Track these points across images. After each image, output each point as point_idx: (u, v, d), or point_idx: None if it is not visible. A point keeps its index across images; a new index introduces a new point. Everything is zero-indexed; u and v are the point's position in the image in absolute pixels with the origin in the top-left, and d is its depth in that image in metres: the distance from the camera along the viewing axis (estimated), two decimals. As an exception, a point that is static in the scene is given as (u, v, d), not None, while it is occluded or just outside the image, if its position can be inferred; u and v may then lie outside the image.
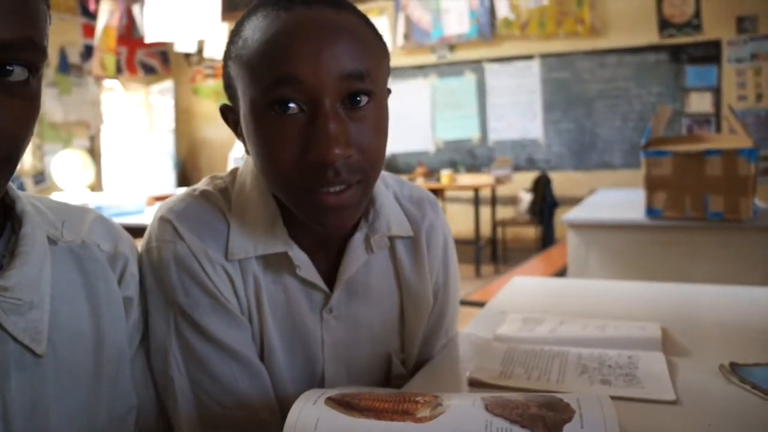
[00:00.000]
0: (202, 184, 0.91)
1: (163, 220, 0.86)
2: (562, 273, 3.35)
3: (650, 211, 2.48)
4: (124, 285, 0.82)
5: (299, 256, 0.87)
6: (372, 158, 0.79)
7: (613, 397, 0.80)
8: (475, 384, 0.89)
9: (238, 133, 0.86)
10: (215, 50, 6.10)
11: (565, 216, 2.73)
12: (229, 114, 0.87)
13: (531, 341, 1.01)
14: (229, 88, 0.84)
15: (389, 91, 0.86)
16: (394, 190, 0.98)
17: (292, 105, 0.75)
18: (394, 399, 0.70)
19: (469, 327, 1.14)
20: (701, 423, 0.76)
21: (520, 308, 1.24)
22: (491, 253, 6.52)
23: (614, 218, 2.66)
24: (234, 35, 0.82)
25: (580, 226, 2.66)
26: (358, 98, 0.77)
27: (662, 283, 1.43)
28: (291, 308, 0.88)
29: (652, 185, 2.46)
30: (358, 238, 0.90)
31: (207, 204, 0.87)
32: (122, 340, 0.80)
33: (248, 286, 0.86)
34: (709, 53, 6.88)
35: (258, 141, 0.78)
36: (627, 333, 1.00)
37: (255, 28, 0.77)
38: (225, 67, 0.84)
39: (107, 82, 7.73)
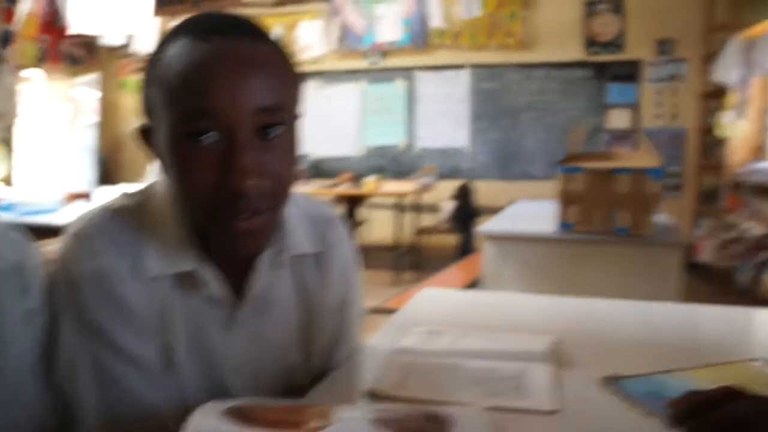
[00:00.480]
0: (117, 201, 0.92)
1: (77, 236, 0.86)
2: (478, 282, 3.43)
3: (563, 224, 2.58)
4: (28, 296, 0.82)
5: (208, 274, 0.88)
6: (284, 185, 0.84)
7: (499, 408, 0.85)
8: (373, 396, 0.92)
9: (156, 154, 0.87)
10: (145, 44, 5.97)
11: (481, 227, 2.81)
12: (145, 134, 0.88)
13: (430, 354, 1.05)
14: (148, 110, 0.85)
15: (297, 116, 0.88)
16: (304, 209, 1.01)
17: (209, 134, 0.77)
18: (287, 410, 0.72)
19: (374, 338, 1.17)
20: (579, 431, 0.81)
21: (426, 320, 1.28)
22: (412, 261, 6.59)
23: (528, 231, 2.75)
24: (154, 59, 0.83)
25: (495, 238, 2.74)
26: (272, 129, 0.80)
27: (561, 297, 1.49)
28: (199, 323, 0.90)
29: (565, 199, 2.57)
30: (266, 256, 0.92)
31: (122, 221, 0.88)
32: (24, 350, 0.80)
33: (159, 302, 0.87)
34: (630, 72, 7.17)
35: (175, 167, 0.81)
36: (520, 346, 1.06)
37: (174, 56, 0.79)
38: (145, 88, 0.85)
39: (27, 72, 7.46)
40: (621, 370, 0.98)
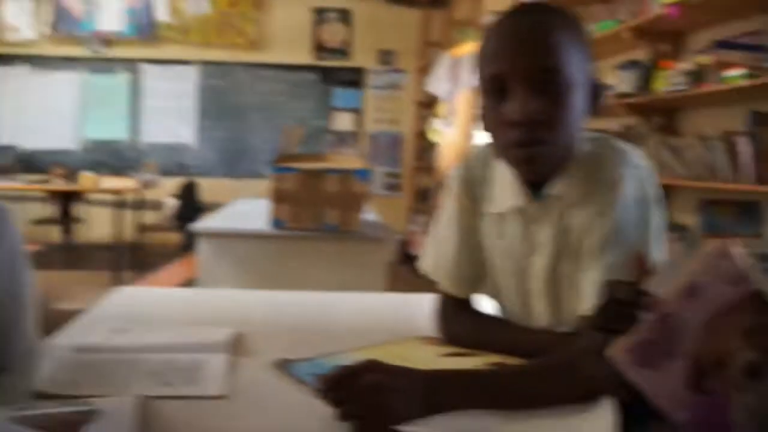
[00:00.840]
0: None
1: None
2: (195, 280, 3.39)
3: (275, 222, 2.67)
4: None
5: None
6: None
7: (171, 397, 0.87)
8: (42, 396, 0.89)
9: None
10: None
11: (196, 225, 2.79)
12: None
13: (110, 350, 1.04)
14: None
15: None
16: None
17: None
18: None
19: (56, 338, 1.13)
20: (248, 413, 0.86)
21: (116, 318, 1.26)
22: (133, 260, 6.28)
23: (241, 228, 2.79)
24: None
25: (210, 235, 2.74)
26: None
27: (250, 290, 1.57)
28: None
29: (278, 198, 2.65)
30: None
31: None
32: None
33: None
34: (355, 78, 7.58)
35: None
36: (200, 338, 1.09)
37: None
38: None
39: None
40: (299, 355, 1.05)
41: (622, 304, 0.73)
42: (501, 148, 0.99)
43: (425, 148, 7.35)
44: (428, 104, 7.19)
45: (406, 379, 0.83)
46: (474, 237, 1.13)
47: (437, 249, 1.17)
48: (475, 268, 1.13)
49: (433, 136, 6.73)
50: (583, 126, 1.00)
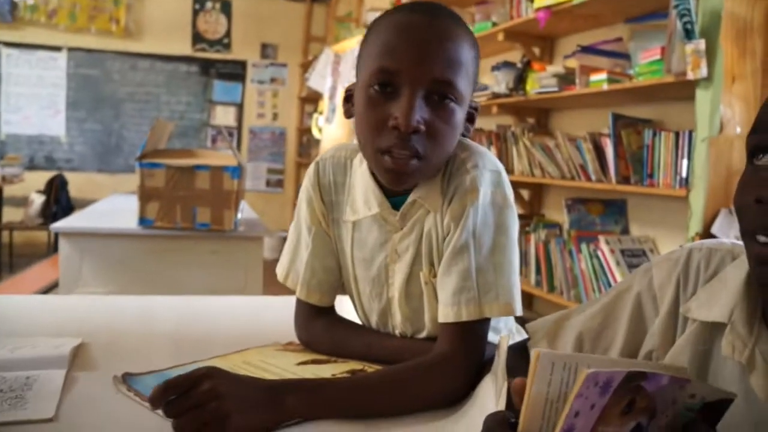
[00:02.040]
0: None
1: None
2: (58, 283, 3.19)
3: (143, 220, 2.54)
4: None
5: None
6: None
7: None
8: None
9: None
10: None
11: (57, 224, 2.62)
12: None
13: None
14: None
15: None
16: None
17: None
18: None
19: None
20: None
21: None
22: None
23: (107, 227, 2.64)
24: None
25: (71, 234, 2.57)
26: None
27: (105, 296, 1.47)
28: None
29: (145, 195, 2.52)
30: None
31: None
32: None
33: None
34: (236, 72, 7.40)
35: None
36: (38, 353, 0.99)
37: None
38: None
39: None
40: (149, 366, 0.98)
41: None
42: (372, 149, 0.92)
43: (309, 143, 7.30)
44: (311, 99, 7.14)
45: (246, 388, 0.80)
46: (328, 244, 1.09)
47: (291, 255, 1.12)
48: (329, 276, 1.10)
49: (316, 132, 6.69)
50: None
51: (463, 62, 0.90)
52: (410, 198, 0.98)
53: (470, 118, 0.99)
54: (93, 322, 1.28)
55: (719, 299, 0.75)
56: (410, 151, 0.89)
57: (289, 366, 1.00)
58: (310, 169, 1.09)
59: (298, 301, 1.11)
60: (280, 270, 1.14)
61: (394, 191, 0.98)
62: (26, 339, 1.07)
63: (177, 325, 1.32)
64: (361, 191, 1.03)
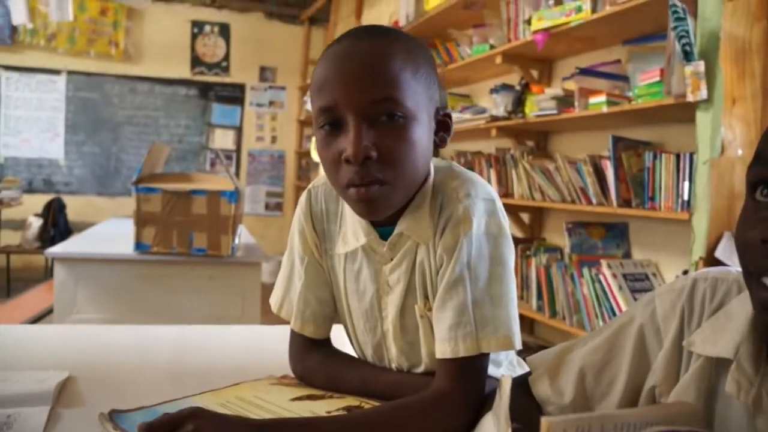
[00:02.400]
0: None
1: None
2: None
3: (139, 245, 2.51)
4: None
5: None
6: None
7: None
8: None
9: None
10: None
11: (52, 249, 2.58)
12: None
13: None
14: None
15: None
16: None
17: None
18: None
19: None
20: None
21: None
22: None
23: (102, 252, 2.61)
24: None
25: (67, 259, 2.54)
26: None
27: (98, 326, 1.43)
28: None
29: (141, 220, 2.50)
30: None
31: None
32: None
33: None
34: (235, 95, 7.41)
35: None
36: (20, 388, 0.96)
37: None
38: None
39: None
40: (138, 402, 0.95)
41: None
42: (338, 187, 0.90)
43: (308, 167, 7.29)
44: (310, 123, 7.13)
45: (232, 428, 0.77)
46: (321, 275, 1.06)
47: (285, 285, 1.09)
48: (323, 307, 1.06)
49: (315, 155, 6.67)
50: (429, 160, 0.94)
51: (398, 74, 0.85)
52: (396, 230, 0.95)
53: (444, 127, 0.96)
54: (82, 354, 1.25)
55: (725, 334, 0.72)
56: (370, 178, 0.85)
57: (283, 402, 0.97)
58: (302, 198, 1.06)
59: (293, 333, 1.08)
60: (273, 301, 1.10)
61: (382, 221, 0.95)
62: (10, 373, 1.03)
63: (170, 357, 1.28)
64: (351, 221, 1.00)
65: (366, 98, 0.84)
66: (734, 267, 0.79)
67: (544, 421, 0.52)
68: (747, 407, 0.68)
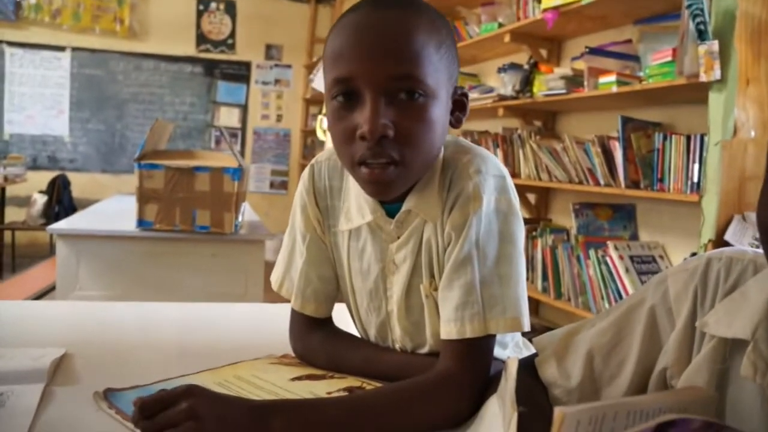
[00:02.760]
0: None
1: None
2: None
3: (141, 222, 2.49)
4: None
5: None
6: None
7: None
8: None
9: None
10: None
11: (54, 225, 2.57)
12: None
13: None
14: None
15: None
16: None
17: None
18: None
19: None
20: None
21: None
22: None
23: (104, 228, 2.58)
24: None
25: (68, 236, 2.52)
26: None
27: (101, 303, 1.41)
28: None
29: (144, 197, 2.47)
30: None
31: None
32: None
33: None
34: (240, 72, 7.35)
35: None
36: (14, 365, 0.94)
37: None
38: None
39: None
40: (136, 380, 0.93)
41: None
42: (348, 163, 0.86)
43: (313, 145, 7.25)
44: (316, 101, 7.08)
45: (227, 408, 0.74)
46: (324, 252, 1.03)
47: (286, 263, 1.07)
48: (325, 285, 1.03)
49: (320, 134, 6.63)
50: (444, 140, 0.91)
51: (422, 50, 0.81)
52: (404, 207, 0.92)
53: (460, 107, 0.92)
54: (81, 331, 1.23)
55: (741, 314, 0.68)
56: (385, 158, 0.82)
57: (283, 382, 0.95)
58: (305, 173, 1.03)
59: (293, 312, 1.05)
60: (274, 278, 1.08)
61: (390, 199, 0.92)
62: (5, 350, 1.01)
63: (170, 335, 1.26)
64: (355, 197, 0.96)
65: (386, 73, 0.80)
66: (750, 249, 0.76)
67: (557, 411, 0.50)
68: (762, 390, 0.65)
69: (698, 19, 2.16)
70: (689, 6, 2.19)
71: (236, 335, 1.28)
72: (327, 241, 1.03)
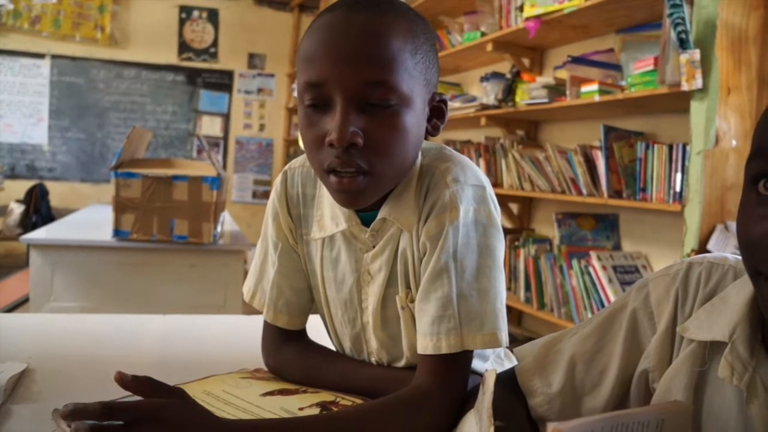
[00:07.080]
0: None
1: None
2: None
3: (118, 232, 2.44)
4: None
5: None
6: None
7: None
8: None
9: None
10: None
11: (27, 235, 2.51)
12: None
13: None
14: None
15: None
16: None
17: None
18: None
19: None
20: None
21: None
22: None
23: (79, 238, 2.53)
24: None
25: (43, 246, 2.47)
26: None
27: (64, 315, 1.36)
28: None
29: (120, 206, 2.43)
30: None
31: None
32: None
33: None
34: (223, 81, 7.30)
35: None
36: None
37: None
38: None
39: None
40: (101, 395, 0.88)
41: None
42: (318, 170, 0.83)
43: (296, 155, 7.21)
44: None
45: (194, 428, 0.70)
46: (296, 262, 1.00)
47: (258, 273, 1.03)
48: (298, 297, 1.00)
49: (302, 144, 6.60)
50: (419, 149, 0.87)
51: (396, 56, 0.78)
52: (379, 215, 0.88)
53: (438, 114, 0.88)
54: (46, 344, 1.18)
55: (720, 318, 0.68)
56: (353, 167, 0.78)
57: (253, 397, 0.91)
58: (278, 180, 1.00)
59: (265, 324, 1.01)
60: (246, 289, 1.04)
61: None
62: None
63: (142, 348, 1.22)
64: (330, 205, 0.93)
65: (357, 79, 0.77)
66: (731, 255, 0.75)
67: (551, 427, 0.49)
68: (739, 392, 0.64)
69: (680, 28, 2.15)
70: (671, 15, 2.18)
71: (209, 348, 1.24)
72: (300, 251, 0.99)
